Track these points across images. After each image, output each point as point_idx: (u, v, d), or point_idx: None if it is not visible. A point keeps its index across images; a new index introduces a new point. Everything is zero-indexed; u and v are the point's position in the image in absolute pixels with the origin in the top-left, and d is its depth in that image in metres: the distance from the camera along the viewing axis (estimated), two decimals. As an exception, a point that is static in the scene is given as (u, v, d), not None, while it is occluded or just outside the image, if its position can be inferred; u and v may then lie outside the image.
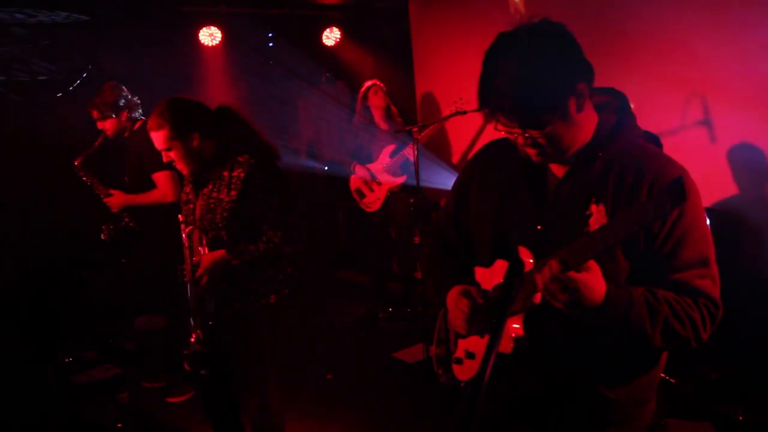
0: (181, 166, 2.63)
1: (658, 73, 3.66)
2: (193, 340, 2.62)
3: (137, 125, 3.80)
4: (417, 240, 5.29)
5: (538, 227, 1.51)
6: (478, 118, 5.06)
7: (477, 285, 1.64)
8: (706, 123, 3.59)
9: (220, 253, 2.56)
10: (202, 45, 5.66)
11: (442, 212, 1.88)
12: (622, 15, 3.88)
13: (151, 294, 3.98)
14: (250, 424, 2.83)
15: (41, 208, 4.86)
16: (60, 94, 5.22)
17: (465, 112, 4.19)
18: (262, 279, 2.63)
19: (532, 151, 1.46)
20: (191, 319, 2.65)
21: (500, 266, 1.57)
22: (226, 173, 2.58)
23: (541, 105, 1.36)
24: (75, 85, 5.27)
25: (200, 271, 2.57)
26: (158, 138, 2.57)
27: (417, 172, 3.92)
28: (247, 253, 2.54)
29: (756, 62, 3.32)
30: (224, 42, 5.70)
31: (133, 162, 3.75)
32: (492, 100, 1.40)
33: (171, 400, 3.83)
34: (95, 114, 3.77)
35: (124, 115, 3.76)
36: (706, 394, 3.30)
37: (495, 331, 1.18)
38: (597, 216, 1.31)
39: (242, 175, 2.55)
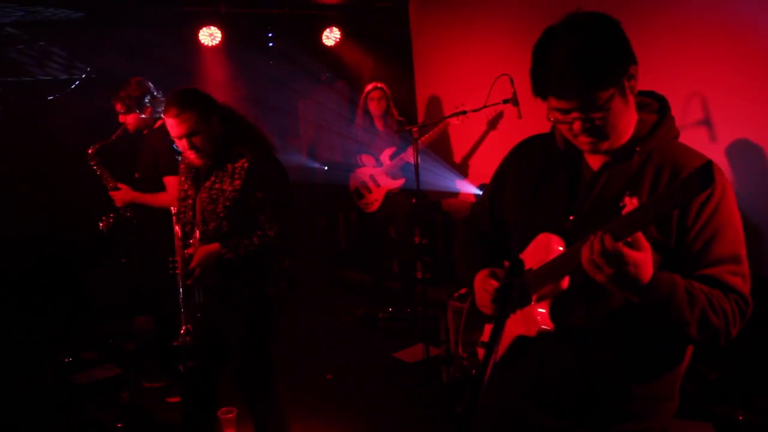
0: (203, 152, 2.61)
1: (658, 73, 3.66)
2: (182, 332, 2.64)
3: (158, 124, 3.75)
4: (417, 240, 5.30)
5: (570, 217, 1.52)
6: (480, 123, 5.06)
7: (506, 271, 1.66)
8: (706, 123, 3.59)
9: (214, 246, 2.58)
10: (202, 45, 5.66)
11: (478, 201, 1.92)
12: (621, 15, 3.88)
13: (151, 294, 3.98)
14: (253, 420, 2.83)
15: (42, 208, 4.86)
16: (60, 94, 5.22)
17: (465, 112, 4.20)
18: (260, 272, 2.65)
19: (585, 140, 1.44)
20: (181, 312, 2.66)
21: (530, 253, 1.58)
22: (229, 165, 2.62)
23: (602, 78, 1.36)
24: (75, 85, 5.27)
25: (193, 263, 2.60)
26: (186, 121, 2.53)
27: (417, 172, 3.93)
28: (241, 247, 2.57)
29: (756, 62, 3.32)
30: (224, 42, 5.70)
31: (146, 160, 3.72)
32: (551, 77, 1.38)
33: (171, 400, 3.83)
34: (119, 107, 3.73)
35: (148, 111, 3.72)
36: (706, 394, 3.30)
37: (495, 332, 1.18)
38: (630, 208, 1.31)
39: (246, 165, 2.59)
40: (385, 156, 5.18)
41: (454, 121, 4.52)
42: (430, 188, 5.24)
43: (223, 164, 2.63)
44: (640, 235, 1.27)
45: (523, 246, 1.60)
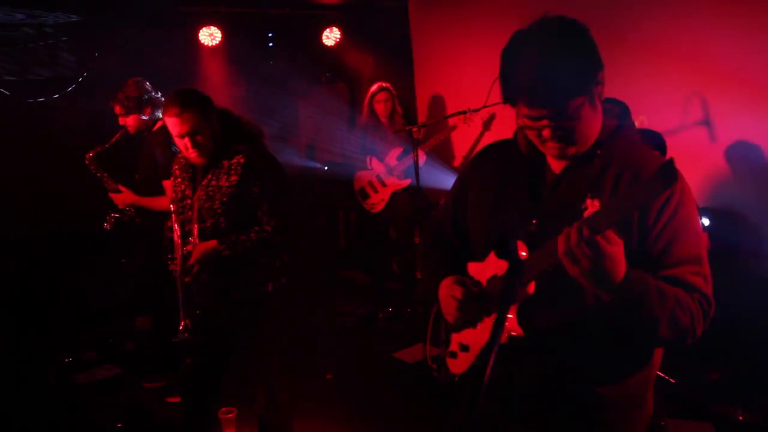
0: (205, 150, 2.62)
1: (658, 73, 3.66)
2: (181, 328, 2.64)
3: (157, 125, 3.73)
4: (417, 240, 5.30)
5: (534, 221, 1.52)
6: (477, 125, 5.05)
7: (470, 278, 1.66)
8: (706, 123, 3.59)
9: (212, 243, 2.59)
10: (202, 45, 5.66)
11: (441, 208, 1.91)
12: (622, 15, 3.88)
13: (150, 294, 3.98)
14: (257, 418, 2.84)
15: (42, 208, 4.86)
16: (60, 94, 5.22)
17: (465, 112, 4.20)
18: (259, 268, 2.65)
19: (553, 146, 1.45)
20: (180, 309, 2.67)
21: (493, 260, 1.59)
22: (225, 161, 2.63)
23: (573, 88, 1.37)
24: (75, 85, 5.27)
25: (192, 260, 2.60)
26: (188, 120, 2.55)
27: (417, 171, 3.93)
28: (239, 243, 2.58)
29: (756, 62, 3.32)
30: (224, 42, 5.70)
31: (146, 162, 3.70)
32: (522, 85, 1.38)
33: (171, 400, 3.83)
34: (118, 109, 3.71)
35: (147, 111, 3.71)
36: (706, 394, 3.30)
37: (494, 333, 1.18)
38: (592, 210, 1.31)
39: (242, 161, 2.60)
40: (392, 156, 5.16)
41: (459, 123, 4.53)
42: (435, 189, 5.23)
43: (219, 161, 2.65)
44: (611, 232, 1.27)
45: (487, 251, 1.60)
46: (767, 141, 3.40)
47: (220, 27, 5.64)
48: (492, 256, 1.59)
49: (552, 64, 1.35)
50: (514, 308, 1.49)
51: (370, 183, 5.24)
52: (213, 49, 5.76)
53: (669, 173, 1.15)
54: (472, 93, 4.43)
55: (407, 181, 5.13)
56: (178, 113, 2.54)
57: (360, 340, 4.81)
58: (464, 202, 1.75)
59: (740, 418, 3.12)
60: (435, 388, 3.75)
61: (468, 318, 1.64)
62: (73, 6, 4.96)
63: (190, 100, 2.57)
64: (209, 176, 2.66)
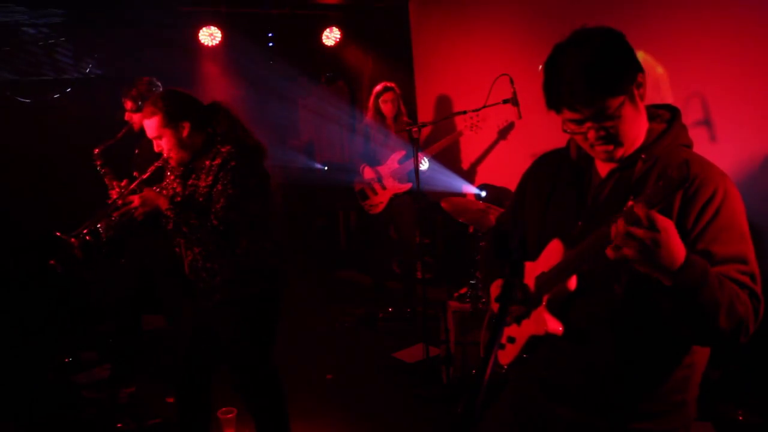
0: (170, 156, 2.68)
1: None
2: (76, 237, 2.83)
3: None
4: (417, 240, 5.29)
5: (579, 223, 1.58)
6: (491, 132, 5.01)
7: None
8: (706, 123, 3.59)
9: (164, 199, 2.62)
10: (202, 45, 5.67)
11: (502, 213, 2.03)
12: (622, 15, 3.88)
13: (151, 293, 3.97)
14: (254, 420, 2.84)
15: (42, 207, 4.85)
16: (60, 94, 5.22)
17: (465, 112, 4.20)
18: (241, 271, 2.66)
19: (601, 149, 1.50)
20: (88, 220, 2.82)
21: (542, 259, 1.66)
22: (207, 162, 2.65)
23: (612, 86, 1.41)
24: (75, 85, 5.27)
25: (137, 197, 2.64)
26: (151, 125, 2.62)
27: (417, 172, 3.92)
28: (184, 217, 2.56)
29: (757, 61, 3.32)
30: (224, 42, 5.71)
31: (146, 162, 3.66)
32: (563, 90, 1.44)
33: (171, 400, 3.83)
34: (129, 105, 3.74)
35: None
36: (706, 394, 3.29)
37: (494, 331, 1.18)
38: None
39: (218, 161, 2.61)
40: (393, 159, 5.11)
41: (466, 131, 4.52)
42: (435, 190, 5.19)
43: (203, 162, 2.66)
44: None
45: (538, 252, 1.67)
46: (767, 141, 3.40)
47: (220, 27, 5.64)
48: (542, 255, 1.66)
49: (590, 65, 1.41)
50: (555, 304, 1.57)
51: (370, 185, 5.21)
52: (213, 49, 5.76)
53: (683, 172, 1.19)
54: (472, 93, 4.43)
55: (408, 185, 5.07)
56: (145, 116, 2.61)
57: (360, 340, 4.81)
58: (522, 206, 1.84)
59: (740, 418, 3.12)
60: (435, 388, 3.76)
61: (513, 316, 1.72)
62: (73, 5, 4.96)
63: (159, 105, 2.59)
64: (193, 176, 2.70)
